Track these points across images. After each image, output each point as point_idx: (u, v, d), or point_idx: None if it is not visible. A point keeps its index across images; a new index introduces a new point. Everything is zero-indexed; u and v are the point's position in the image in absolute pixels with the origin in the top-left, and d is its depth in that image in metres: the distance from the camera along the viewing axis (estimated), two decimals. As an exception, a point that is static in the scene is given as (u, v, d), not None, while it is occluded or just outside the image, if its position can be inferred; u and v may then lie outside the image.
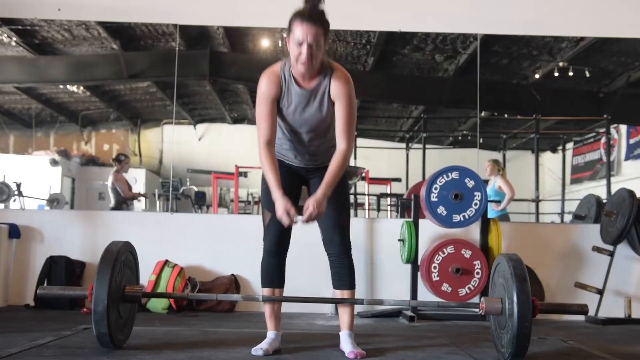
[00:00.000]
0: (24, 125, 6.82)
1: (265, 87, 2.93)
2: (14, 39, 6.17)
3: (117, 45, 6.31)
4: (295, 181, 3.20)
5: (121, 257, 2.89)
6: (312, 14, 2.91)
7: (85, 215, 5.61)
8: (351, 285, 3.07)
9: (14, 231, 5.26)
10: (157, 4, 5.66)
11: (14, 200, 5.93)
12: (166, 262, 5.05)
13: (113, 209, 6.30)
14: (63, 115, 6.96)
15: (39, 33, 6.15)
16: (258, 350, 2.86)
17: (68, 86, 6.89)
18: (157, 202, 6.36)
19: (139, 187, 6.52)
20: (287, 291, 4.96)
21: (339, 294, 3.11)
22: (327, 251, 3.14)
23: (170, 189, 6.10)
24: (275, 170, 2.91)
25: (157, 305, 4.90)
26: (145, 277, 4.82)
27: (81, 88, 6.86)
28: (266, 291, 3.18)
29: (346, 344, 2.98)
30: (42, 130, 6.88)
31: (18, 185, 5.96)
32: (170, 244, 5.29)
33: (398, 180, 6.66)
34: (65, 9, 5.63)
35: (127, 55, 6.42)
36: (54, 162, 6.53)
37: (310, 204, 2.77)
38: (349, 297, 3.09)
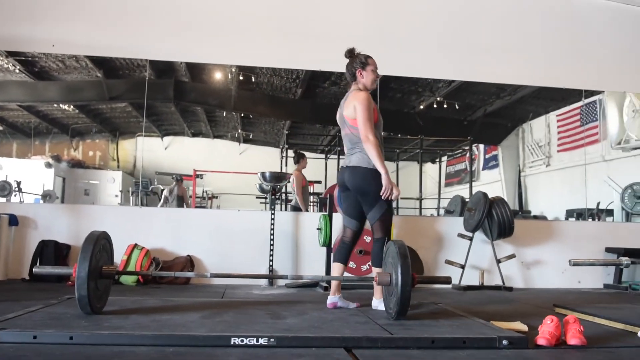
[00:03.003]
0: (24, 135, 6.49)
1: (372, 105, 3.29)
2: (18, 67, 5.90)
3: (101, 74, 6.11)
4: None
5: (99, 242, 2.83)
6: None
7: (71, 208, 5.40)
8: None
9: (13, 220, 5.05)
10: (133, 43, 5.51)
11: (15, 195, 5.67)
12: (135, 245, 4.93)
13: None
14: (56, 128, 6.67)
15: (38, 63, 5.90)
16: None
17: (61, 105, 6.62)
18: (131, 198, 6.18)
19: (116, 186, 6.33)
20: (231, 268, 4.95)
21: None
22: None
23: (140, 187, 5.95)
24: (378, 153, 3.20)
25: (128, 279, 4.78)
26: (119, 256, 4.70)
27: (71, 107, 6.60)
28: None
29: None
30: (39, 139, 6.58)
31: (18, 183, 5.71)
32: (139, 231, 5.16)
33: (319, 182, 6.68)
34: (58, 45, 5.45)
35: (109, 82, 6.21)
36: (48, 165, 6.26)
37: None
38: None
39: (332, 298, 3.36)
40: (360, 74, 3.38)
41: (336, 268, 3.39)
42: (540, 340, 2.46)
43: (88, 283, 2.65)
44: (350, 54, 3.45)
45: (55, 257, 4.92)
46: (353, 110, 3.27)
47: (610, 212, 6.21)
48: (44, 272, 3.14)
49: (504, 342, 2.37)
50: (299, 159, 6.14)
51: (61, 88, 6.42)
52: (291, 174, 5.96)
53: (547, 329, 2.50)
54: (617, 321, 3.07)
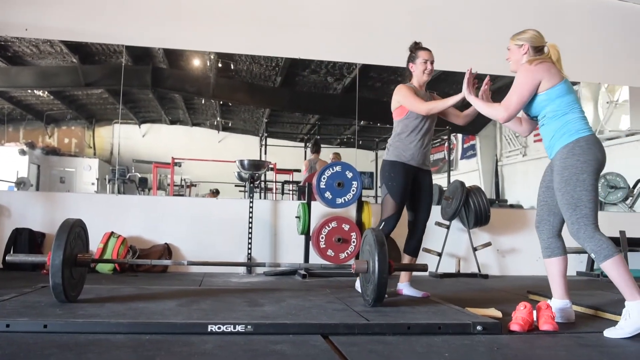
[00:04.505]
0: (-3, 122, 6.39)
1: (410, 89, 3.37)
2: (-11, 52, 5.77)
3: (76, 59, 6.00)
4: (410, 179, 3.43)
5: (74, 230, 2.78)
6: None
7: (46, 196, 5.30)
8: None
9: (-14, 208, 4.94)
10: (109, 28, 5.38)
11: (-13, 183, 5.57)
12: (112, 233, 4.86)
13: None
14: (31, 114, 6.55)
15: (11, 47, 5.75)
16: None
17: (35, 91, 6.50)
18: (108, 186, 6.11)
19: (92, 173, 6.24)
20: (209, 256, 4.92)
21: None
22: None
23: (116, 174, 5.88)
24: (435, 102, 3.33)
25: (104, 267, 4.72)
26: (95, 244, 4.64)
27: (46, 93, 6.49)
28: None
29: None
30: (13, 126, 6.46)
31: (-10, 170, 5.60)
32: (116, 219, 5.09)
33: (298, 170, 6.68)
34: (31, 29, 5.28)
35: (84, 68, 6.11)
36: (22, 152, 6.14)
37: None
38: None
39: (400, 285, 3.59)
40: (412, 67, 3.45)
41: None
42: (514, 326, 2.50)
43: (63, 271, 2.61)
44: (412, 48, 3.49)
45: (29, 245, 4.84)
46: (395, 103, 3.42)
47: (583, 202, 6.30)
48: (17, 260, 3.08)
49: (478, 327, 2.41)
50: (318, 147, 6.44)
51: (35, 73, 6.30)
52: (270, 162, 5.94)
53: (520, 315, 2.54)
54: (588, 307, 3.14)
